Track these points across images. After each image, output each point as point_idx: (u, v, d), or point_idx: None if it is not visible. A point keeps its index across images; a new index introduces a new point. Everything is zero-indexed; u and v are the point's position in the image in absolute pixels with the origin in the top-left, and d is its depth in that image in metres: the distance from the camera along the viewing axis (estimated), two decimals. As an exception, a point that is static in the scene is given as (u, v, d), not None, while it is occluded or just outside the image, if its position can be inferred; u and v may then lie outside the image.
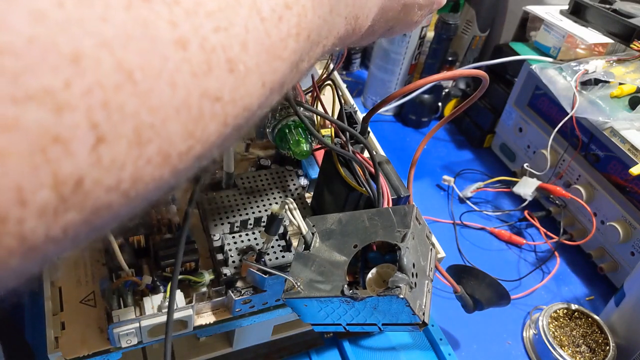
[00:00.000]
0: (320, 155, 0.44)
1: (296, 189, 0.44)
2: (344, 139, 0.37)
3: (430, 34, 0.74)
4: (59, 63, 0.10)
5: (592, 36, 0.60)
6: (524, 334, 0.52)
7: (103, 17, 0.11)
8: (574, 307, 0.51)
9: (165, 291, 0.34)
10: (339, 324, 0.30)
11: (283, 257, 0.37)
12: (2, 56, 0.09)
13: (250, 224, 0.39)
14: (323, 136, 0.38)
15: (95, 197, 0.11)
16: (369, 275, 0.29)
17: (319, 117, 0.43)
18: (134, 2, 0.11)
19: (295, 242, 0.37)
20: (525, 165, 0.64)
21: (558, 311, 0.51)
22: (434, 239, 0.32)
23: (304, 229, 0.32)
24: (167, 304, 0.33)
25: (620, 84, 0.55)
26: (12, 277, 0.11)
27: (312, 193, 0.45)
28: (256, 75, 0.14)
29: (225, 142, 0.15)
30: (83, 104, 0.10)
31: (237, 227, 0.39)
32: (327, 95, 0.44)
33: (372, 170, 0.36)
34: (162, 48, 0.12)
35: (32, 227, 0.10)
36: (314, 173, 0.45)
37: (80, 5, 0.10)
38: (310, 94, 0.45)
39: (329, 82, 0.42)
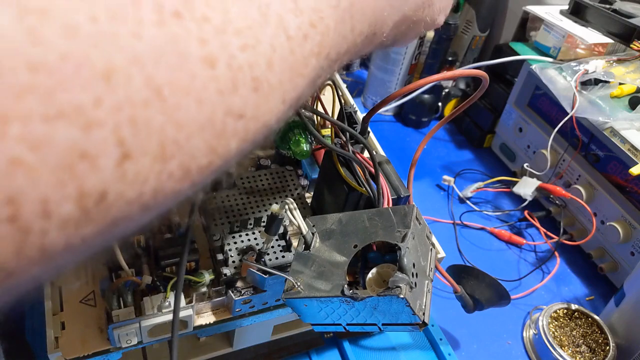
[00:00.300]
0: (320, 155, 0.44)
1: (296, 189, 0.44)
2: (344, 139, 0.37)
3: (430, 34, 0.74)
4: (91, 80, 0.10)
5: (592, 36, 0.60)
6: (524, 334, 0.52)
7: (136, 33, 0.11)
8: (574, 307, 0.51)
9: (165, 291, 0.34)
10: (339, 324, 0.30)
11: (283, 257, 0.37)
12: (35, 73, 0.09)
13: (250, 224, 0.39)
14: (323, 136, 0.38)
15: (116, 210, 0.11)
16: (369, 275, 0.29)
17: (319, 117, 0.44)
18: (166, 19, 0.11)
19: (295, 242, 0.37)
20: (525, 165, 0.64)
21: (558, 311, 0.51)
22: (434, 239, 0.32)
23: (304, 229, 0.32)
24: (167, 303, 0.33)
25: (620, 84, 0.55)
26: (28, 284, 0.11)
27: (312, 193, 0.45)
28: (279, 92, 0.15)
29: (242, 155, 0.15)
30: (112, 121, 0.10)
31: (237, 227, 0.39)
32: (327, 95, 0.44)
33: (372, 170, 0.36)
34: (191, 65, 0.12)
35: (53, 238, 0.10)
36: (314, 173, 0.45)
37: (114, 21, 0.10)
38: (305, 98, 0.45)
39: (329, 82, 0.42)
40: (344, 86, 0.57)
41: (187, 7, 0.12)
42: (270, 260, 0.36)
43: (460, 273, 0.44)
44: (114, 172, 0.11)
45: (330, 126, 0.40)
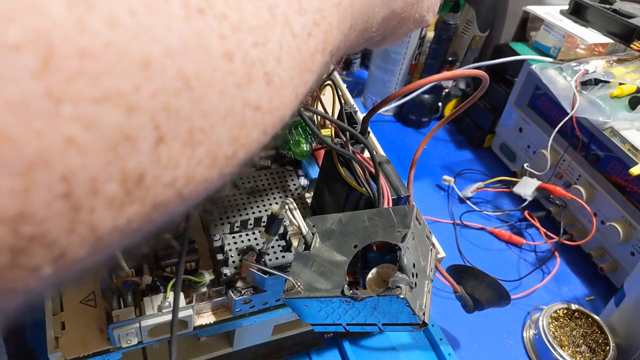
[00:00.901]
0: (320, 155, 0.44)
1: (296, 189, 0.44)
2: (344, 139, 0.37)
3: (430, 34, 0.74)
4: (131, 67, 0.11)
5: (592, 36, 0.60)
6: (524, 334, 0.52)
7: (168, 27, 0.11)
8: (574, 307, 0.51)
9: (165, 291, 0.34)
10: (339, 324, 0.30)
11: (283, 257, 0.37)
12: (84, 59, 0.10)
13: (250, 224, 0.39)
14: (323, 136, 0.38)
15: (154, 193, 0.12)
16: (369, 275, 0.29)
17: (319, 117, 0.44)
18: (192, 15, 0.12)
19: (295, 242, 0.37)
20: (525, 165, 0.64)
21: (558, 311, 0.51)
22: (434, 239, 0.32)
23: (304, 229, 0.32)
24: (167, 303, 0.33)
25: (620, 84, 0.55)
26: (76, 268, 0.11)
27: (312, 193, 0.45)
28: (290, 87, 0.16)
29: (260, 148, 0.16)
30: (149, 106, 0.11)
31: (237, 227, 0.39)
32: (327, 95, 0.44)
33: (372, 170, 0.36)
34: (213, 59, 0.13)
35: (100, 217, 0.11)
36: (314, 173, 0.45)
37: (149, 15, 0.11)
38: (310, 94, 0.45)
39: (329, 82, 0.42)
40: (344, 86, 0.57)
41: (209, 5, 0.13)
42: (270, 260, 0.36)
43: (460, 273, 0.44)
44: (151, 155, 0.11)
45: (330, 126, 0.40)
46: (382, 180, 0.36)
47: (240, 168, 0.15)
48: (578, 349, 0.48)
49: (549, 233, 0.61)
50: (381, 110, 0.71)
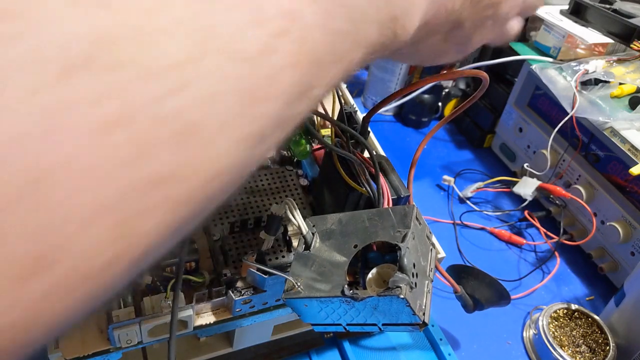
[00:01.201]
0: (320, 155, 0.44)
1: (296, 189, 0.44)
2: (344, 139, 0.37)
3: (430, 34, 0.74)
4: None
5: (592, 36, 0.60)
6: (524, 334, 0.52)
7: (5, 109, 0.08)
8: (574, 307, 0.51)
9: (165, 291, 0.34)
10: (339, 324, 0.30)
11: (283, 257, 0.37)
12: None
13: (250, 224, 0.39)
14: (323, 136, 0.38)
15: None
16: (369, 275, 0.29)
17: (319, 117, 0.44)
18: (48, 83, 0.08)
19: (295, 242, 0.37)
20: (525, 165, 0.64)
21: (558, 311, 0.51)
22: (434, 239, 0.32)
23: (304, 229, 0.31)
24: (167, 303, 0.33)
25: (620, 84, 0.55)
26: None
27: (312, 193, 0.45)
28: (226, 133, 0.11)
29: (192, 221, 0.12)
30: None
31: (237, 227, 0.39)
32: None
33: (372, 170, 0.36)
34: (82, 138, 0.09)
35: None
36: (314, 173, 0.45)
37: None
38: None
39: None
40: (344, 86, 0.57)
41: (102, 50, 0.09)
42: (270, 260, 0.36)
43: (460, 273, 0.44)
44: None
45: (330, 126, 0.40)
46: (382, 180, 0.36)
47: (145, 263, 0.11)
48: (578, 349, 0.48)
49: (549, 233, 0.61)
50: (381, 110, 0.71)
